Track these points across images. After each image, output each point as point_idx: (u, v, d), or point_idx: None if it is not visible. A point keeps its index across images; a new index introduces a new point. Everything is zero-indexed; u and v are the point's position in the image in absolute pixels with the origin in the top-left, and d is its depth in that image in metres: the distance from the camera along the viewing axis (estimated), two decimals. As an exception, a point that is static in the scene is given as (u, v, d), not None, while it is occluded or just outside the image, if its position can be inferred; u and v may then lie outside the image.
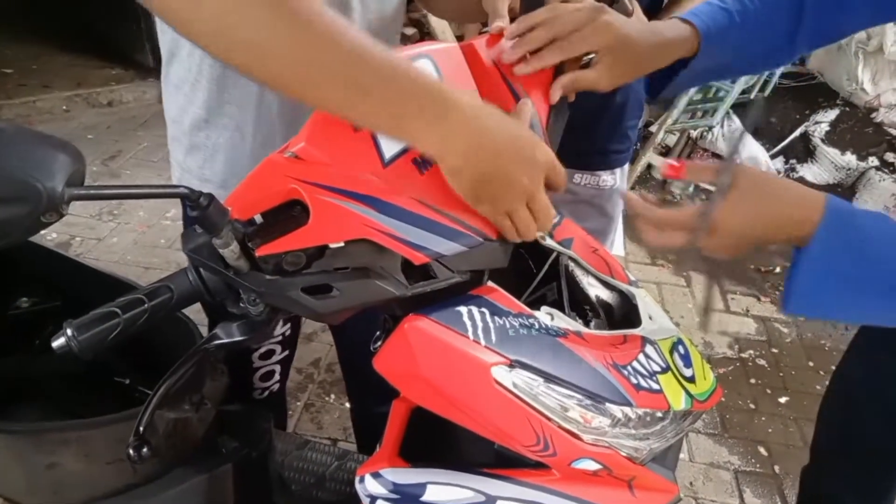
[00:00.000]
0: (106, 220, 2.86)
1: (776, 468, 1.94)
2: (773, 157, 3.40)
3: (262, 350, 1.10)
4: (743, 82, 3.36)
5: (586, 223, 1.24)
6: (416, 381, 0.63)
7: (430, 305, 0.63)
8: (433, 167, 0.60)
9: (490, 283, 0.71)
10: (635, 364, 0.73)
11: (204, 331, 1.01)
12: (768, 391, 2.23)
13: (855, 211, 0.67)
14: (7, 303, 1.07)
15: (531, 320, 0.69)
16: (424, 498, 0.69)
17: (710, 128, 3.55)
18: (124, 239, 2.73)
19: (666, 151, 3.70)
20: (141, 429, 0.60)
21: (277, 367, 1.15)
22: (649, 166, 3.65)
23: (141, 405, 0.83)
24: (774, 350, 2.40)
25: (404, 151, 0.59)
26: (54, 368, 1.09)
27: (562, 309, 0.79)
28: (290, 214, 0.55)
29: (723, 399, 2.16)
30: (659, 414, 0.74)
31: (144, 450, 0.60)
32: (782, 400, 2.20)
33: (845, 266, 0.64)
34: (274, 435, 1.08)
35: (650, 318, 0.83)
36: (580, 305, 0.87)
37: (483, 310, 0.65)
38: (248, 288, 0.55)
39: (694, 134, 3.68)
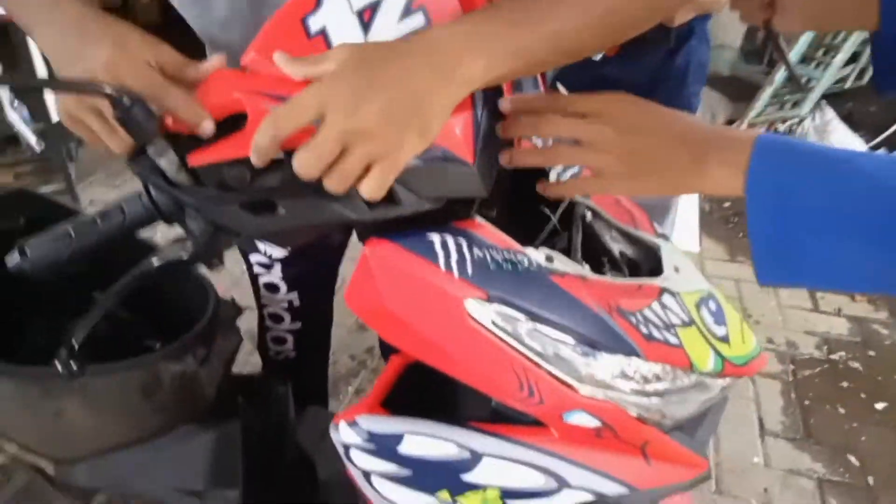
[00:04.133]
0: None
1: (870, 479, 1.73)
2: (872, 149, 3.10)
3: (272, 311, 1.09)
4: (836, 70, 3.09)
5: (643, 199, 1.15)
6: (383, 316, 0.58)
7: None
8: None
9: (479, 219, 0.65)
10: (647, 312, 0.65)
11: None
12: (862, 396, 2.00)
13: (789, 140, 0.54)
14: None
15: (520, 257, 0.62)
16: (401, 449, 0.64)
17: (801, 120, 3.29)
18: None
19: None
20: (74, 343, 0.58)
21: (289, 337, 1.13)
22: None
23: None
24: (871, 353, 2.16)
25: None
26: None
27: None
28: (235, 128, 0.51)
29: (807, 402, 1.96)
30: (678, 372, 0.65)
31: (73, 363, 0.58)
32: (879, 406, 1.97)
33: (794, 197, 0.50)
34: (295, 409, 1.05)
35: (676, 269, 0.74)
36: (597, 259, 0.79)
37: (460, 240, 0.59)
38: (187, 202, 0.52)
39: (782, 128, 3.43)
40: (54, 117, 2.73)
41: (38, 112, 2.76)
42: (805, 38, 2.95)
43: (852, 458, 1.79)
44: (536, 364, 0.58)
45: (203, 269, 1.00)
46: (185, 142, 0.51)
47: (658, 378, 0.64)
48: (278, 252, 1.02)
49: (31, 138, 2.62)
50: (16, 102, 2.61)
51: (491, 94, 0.59)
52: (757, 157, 0.52)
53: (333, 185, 0.49)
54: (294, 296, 1.08)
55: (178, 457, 0.91)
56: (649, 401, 0.64)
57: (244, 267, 1.09)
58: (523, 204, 0.77)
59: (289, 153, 0.51)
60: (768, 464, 1.76)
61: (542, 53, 0.53)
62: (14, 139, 2.82)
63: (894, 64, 0.70)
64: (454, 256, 0.57)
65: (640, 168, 0.56)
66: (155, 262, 0.57)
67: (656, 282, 0.70)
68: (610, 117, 0.56)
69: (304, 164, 0.47)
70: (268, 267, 1.05)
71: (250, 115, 0.50)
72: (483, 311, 0.57)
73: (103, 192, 3.12)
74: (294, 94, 0.48)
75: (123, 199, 0.58)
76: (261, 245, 1.02)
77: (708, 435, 0.77)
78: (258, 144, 0.48)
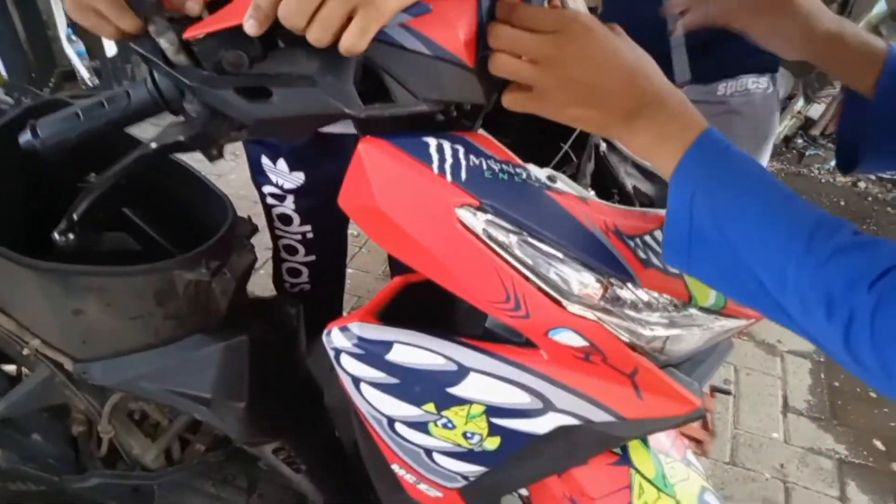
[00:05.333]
0: (228, 159, 3.04)
1: (894, 466, 1.68)
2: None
3: (286, 242, 1.11)
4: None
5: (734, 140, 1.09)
6: (375, 216, 0.58)
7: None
8: None
9: (481, 131, 0.64)
10: (647, 238, 0.63)
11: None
12: (897, 383, 1.93)
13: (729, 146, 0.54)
14: (79, 177, 1.15)
15: (519, 170, 0.61)
16: (389, 357, 0.64)
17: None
18: (241, 176, 2.89)
19: (806, 124, 3.31)
20: (74, 216, 0.60)
21: (304, 269, 1.15)
22: (786, 139, 3.29)
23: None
24: (912, 340, 2.08)
25: None
26: (114, 245, 1.15)
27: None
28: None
29: (836, 384, 1.91)
30: (676, 303, 0.64)
31: (71, 235, 0.60)
32: (914, 395, 1.90)
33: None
34: (308, 339, 1.07)
35: (686, 205, 0.72)
36: (608, 192, 0.77)
37: (457, 146, 0.59)
38: (184, 83, 0.53)
39: (847, 104, 3.25)
40: (109, 53, 2.81)
41: (94, 48, 2.84)
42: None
43: (878, 443, 1.74)
44: (525, 276, 0.58)
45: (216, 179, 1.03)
46: (185, 24, 0.51)
47: (651, 307, 0.63)
48: (290, 183, 1.03)
49: (84, 73, 2.69)
50: (73, 37, 2.69)
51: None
52: (696, 148, 0.52)
53: (316, 35, 0.48)
54: (308, 228, 1.09)
55: (189, 364, 0.94)
56: (642, 329, 0.63)
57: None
58: (540, 132, 0.76)
59: (287, 41, 0.51)
60: (788, 440, 1.73)
61: None
62: (71, 74, 2.91)
63: (879, 137, 0.69)
64: (449, 161, 0.57)
65: (574, 98, 0.54)
66: (153, 145, 0.58)
67: (662, 212, 0.68)
68: (562, 38, 0.53)
69: (289, 11, 0.47)
70: (280, 198, 1.06)
71: None
72: (474, 219, 0.56)
73: (147, 128, 3.21)
74: None
75: (129, 85, 0.59)
76: (272, 176, 1.04)
77: (705, 377, 0.76)
78: (259, 4, 0.47)
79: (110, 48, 2.81)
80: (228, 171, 2.90)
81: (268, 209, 1.10)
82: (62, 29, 2.76)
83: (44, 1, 2.75)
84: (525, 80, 0.55)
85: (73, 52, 2.77)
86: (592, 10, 0.98)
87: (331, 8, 0.46)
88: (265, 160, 1.03)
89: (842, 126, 0.75)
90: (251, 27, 0.48)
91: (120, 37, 0.53)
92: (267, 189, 1.07)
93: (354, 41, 0.48)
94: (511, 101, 0.57)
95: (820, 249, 0.47)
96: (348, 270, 2.32)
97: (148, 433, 1.11)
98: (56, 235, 0.60)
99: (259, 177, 1.07)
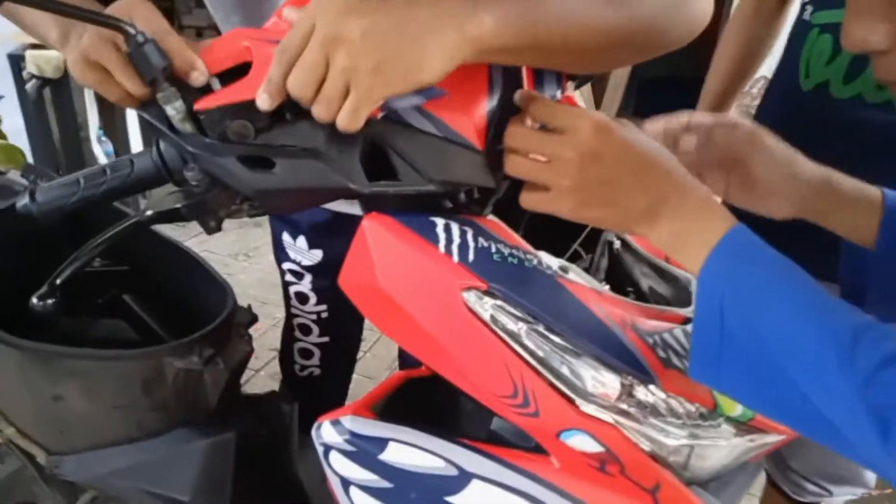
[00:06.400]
0: (241, 259, 3.07)
1: None
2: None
3: (300, 321, 1.08)
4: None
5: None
6: (376, 297, 0.54)
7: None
8: None
9: (492, 217, 0.62)
10: (667, 337, 0.59)
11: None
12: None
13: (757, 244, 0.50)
14: (83, 261, 1.13)
15: (529, 256, 0.58)
16: (383, 456, 0.58)
17: None
18: (251, 277, 2.89)
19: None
20: (57, 281, 0.56)
21: (316, 351, 1.11)
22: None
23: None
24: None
25: None
26: (111, 331, 1.12)
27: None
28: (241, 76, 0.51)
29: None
30: (701, 410, 0.58)
31: (50, 301, 0.56)
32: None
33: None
34: (302, 438, 1.00)
35: (707, 306, 0.68)
36: (622, 291, 0.74)
37: (465, 228, 0.56)
38: (186, 149, 0.51)
39: None
40: (135, 151, 2.91)
41: (121, 149, 2.95)
42: None
43: None
44: (535, 370, 0.53)
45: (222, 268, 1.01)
46: (194, 92, 0.51)
47: (675, 412, 0.57)
48: (308, 260, 1.02)
49: (109, 170, 2.78)
50: (103, 137, 2.80)
51: (511, 87, 0.57)
52: (723, 247, 0.49)
53: (319, 111, 0.48)
54: (323, 308, 1.07)
55: (170, 461, 0.87)
56: (664, 438, 0.57)
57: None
58: (551, 228, 0.74)
59: (294, 114, 0.51)
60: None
61: (548, 37, 0.51)
62: (96, 173, 3.00)
63: (884, 286, 0.65)
64: (456, 241, 0.54)
65: (592, 198, 0.52)
66: (149, 212, 0.56)
67: (682, 311, 0.64)
68: (576, 138, 0.51)
69: (295, 82, 0.47)
70: (299, 276, 1.05)
71: (255, 60, 0.49)
72: (481, 304, 0.52)
73: (165, 228, 3.27)
74: None
75: (135, 154, 0.58)
76: (292, 253, 1.02)
77: (733, 502, 0.68)
78: (271, 79, 0.47)
79: (136, 146, 2.92)
80: (239, 272, 2.91)
81: (286, 287, 1.09)
82: (93, 130, 2.88)
83: (80, 104, 2.90)
84: (541, 182, 0.54)
85: (101, 151, 2.88)
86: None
87: (330, 84, 0.46)
88: (286, 237, 1.03)
89: (843, 271, 0.69)
90: (264, 101, 0.49)
91: (124, 99, 0.53)
92: (286, 266, 1.06)
93: (347, 120, 0.48)
94: (528, 202, 0.55)
95: (867, 357, 0.42)
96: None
97: (118, 539, 1.01)
98: (34, 300, 0.57)
99: (280, 253, 1.07)
